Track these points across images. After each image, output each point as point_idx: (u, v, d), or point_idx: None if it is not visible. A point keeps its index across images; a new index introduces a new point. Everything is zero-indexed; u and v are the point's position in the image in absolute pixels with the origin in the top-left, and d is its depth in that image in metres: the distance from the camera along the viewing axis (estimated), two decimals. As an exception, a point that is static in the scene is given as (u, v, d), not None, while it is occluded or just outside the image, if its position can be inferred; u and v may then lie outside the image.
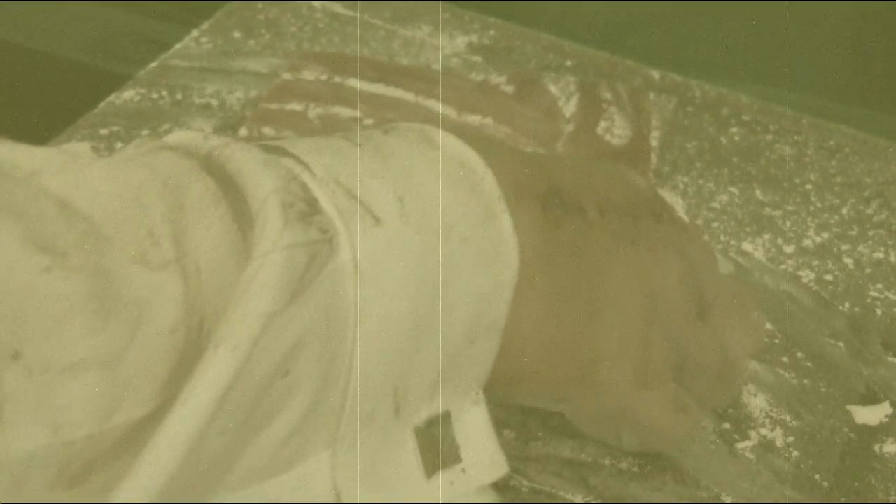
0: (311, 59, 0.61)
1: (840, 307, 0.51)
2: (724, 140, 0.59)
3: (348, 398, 0.31)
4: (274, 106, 0.58)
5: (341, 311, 0.30)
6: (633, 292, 0.38)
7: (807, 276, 0.52)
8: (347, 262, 0.30)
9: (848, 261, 0.53)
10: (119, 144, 0.57)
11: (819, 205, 0.56)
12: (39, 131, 0.58)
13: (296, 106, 0.57)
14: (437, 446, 0.34)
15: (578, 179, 0.39)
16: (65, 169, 0.29)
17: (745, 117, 0.60)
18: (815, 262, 0.53)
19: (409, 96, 0.58)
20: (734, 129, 0.60)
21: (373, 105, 0.58)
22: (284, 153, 0.32)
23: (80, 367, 0.26)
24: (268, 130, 0.56)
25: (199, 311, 0.28)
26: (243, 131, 0.56)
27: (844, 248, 0.54)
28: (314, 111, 0.57)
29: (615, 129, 0.57)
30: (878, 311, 0.51)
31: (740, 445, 0.45)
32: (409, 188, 0.33)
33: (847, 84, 0.73)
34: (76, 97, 0.60)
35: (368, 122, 0.57)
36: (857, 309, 0.51)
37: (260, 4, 0.67)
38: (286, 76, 0.60)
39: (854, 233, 0.54)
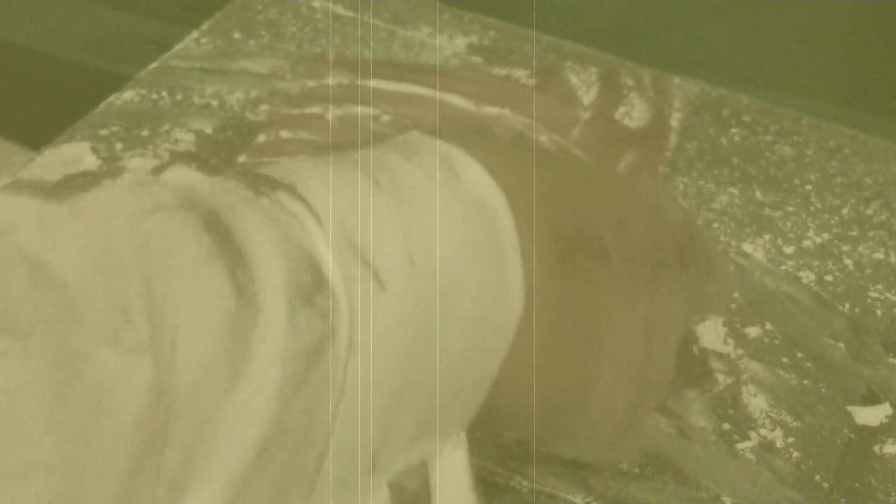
0: (336, 65, 0.62)
1: (840, 308, 0.51)
2: (724, 141, 0.59)
3: (324, 464, 0.29)
4: (295, 111, 0.58)
5: (329, 387, 0.28)
6: (637, 340, 0.37)
7: (807, 276, 0.52)
8: (343, 339, 0.29)
9: (848, 261, 0.53)
10: (119, 145, 0.57)
11: (819, 205, 0.56)
12: (39, 131, 0.58)
13: (315, 109, 0.58)
14: (409, 498, 0.33)
15: (611, 220, 0.37)
16: (43, 225, 0.27)
17: (746, 118, 0.60)
18: (816, 263, 0.53)
19: (428, 92, 0.59)
20: (734, 130, 0.60)
21: (392, 102, 0.58)
22: (294, 194, 0.30)
23: (29, 471, 0.23)
24: (284, 133, 0.57)
25: (170, 393, 0.25)
26: (262, 137, 0.56)
27: (844, 248, 0.54)
28: (333, 112, 0.58)
29: (634, 114, 0.57)
30: (879, 312, 0.51)
31: (740, 446, 0.45)
32: (422, 242, 0.31)
33: (843, 87, 0.73)
34: (76, 97, 0.60)
35: (386, 118, 0.57)
36: (857, 310, 0.51)
37: (260, 5, 0.67)
38: (311, 83, 0.60)
39: (854, 233, 0.54)
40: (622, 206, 0.38)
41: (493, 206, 0.33)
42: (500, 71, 0.61)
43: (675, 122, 0.58)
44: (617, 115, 0.57)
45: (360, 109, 0.58)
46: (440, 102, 0.58)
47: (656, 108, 0.58)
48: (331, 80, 0.60)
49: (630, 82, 0.59)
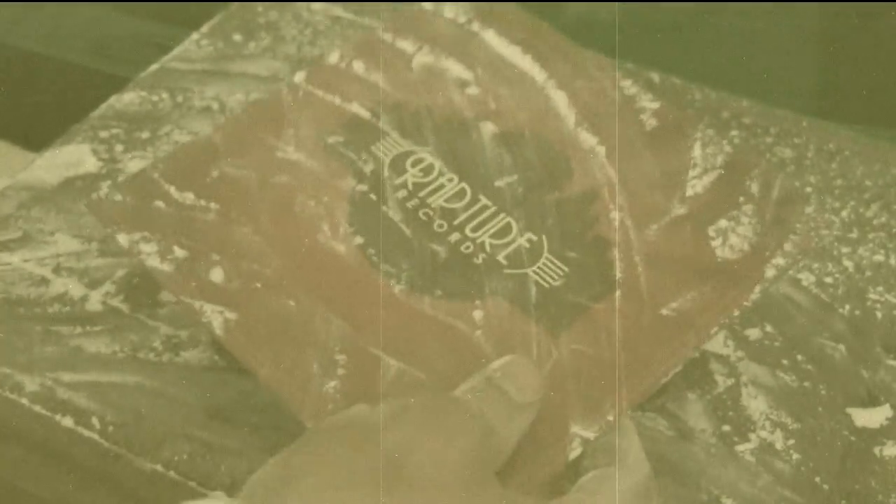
0: None
1: (840, 310, 0.51)
2: (724, 143, 0.59)
3: None
4: (387, 36, 0.51)
5: None
6: None
7: (807, 278, 0.52)
8: None
9: (848, 263, 0.53)
10: (119, 147, 0.57)
11: (819, 207, 0.56)
12: (40, 133, 0.58)
13: (407, 45, 0.50)
14: None
15: None
16: None
17: (746, 120, 0.60)
18: (816, 265, 0.53)
19: (540, 76, 0.49)
20: (734, 132, 0.60)
21: (491, 71, 0.49)
22: None
23: None
24: (358, 66, 0.49)
25: None
26: (334, 57, 0.50)
27: (844, 250, 0.54)
28: (421, 58, 0.50)
29: (732, 238, 0.44)
30: (878, 314, 0.51)
31: (740, 448, 0.45)
32: None
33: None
34: (77, 99, 0.60)
35: (475, 91, 0.49)
36: (857, 312, 0.51)
37: (260, 7, 0.67)
38: (427, 5, 0.52)
39: (854, 235, 0.54)
40: None
41: None
42: (630, 87, 0.49)
43: (770, 271, 0.43)
44: (712, 230, 0.44)
45: (452, 66, 0.49)
46: (542, 99, 0.48)
47: (764, 240, 0.44)
48: (448, 11, 0.51)
49: (755, 189, 0.46)
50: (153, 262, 0.43)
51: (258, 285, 0.42)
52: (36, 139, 0.59)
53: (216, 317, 0.41)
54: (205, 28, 0.65)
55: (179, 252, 0.43)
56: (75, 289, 0.49)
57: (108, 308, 0.49)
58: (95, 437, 0.44)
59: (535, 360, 0.40)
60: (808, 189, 0.57)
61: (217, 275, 0.42)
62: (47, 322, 0.48)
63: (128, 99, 0.60)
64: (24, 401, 0.45)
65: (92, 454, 0.45)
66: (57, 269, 0.50)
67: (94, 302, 0.49)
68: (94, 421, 0.45)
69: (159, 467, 0.43)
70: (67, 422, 0.45)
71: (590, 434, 0.38)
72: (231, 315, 0.41)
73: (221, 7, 0.66)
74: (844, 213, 0.55)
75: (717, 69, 0.70)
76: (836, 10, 0.75)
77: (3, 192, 0.54)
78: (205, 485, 0.43)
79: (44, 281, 0.50)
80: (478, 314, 0.42)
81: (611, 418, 0.38)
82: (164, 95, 0.60)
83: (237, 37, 0.65)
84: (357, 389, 0.39)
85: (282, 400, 0.39)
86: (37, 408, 0.45)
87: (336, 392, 0.39)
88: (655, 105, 0.48)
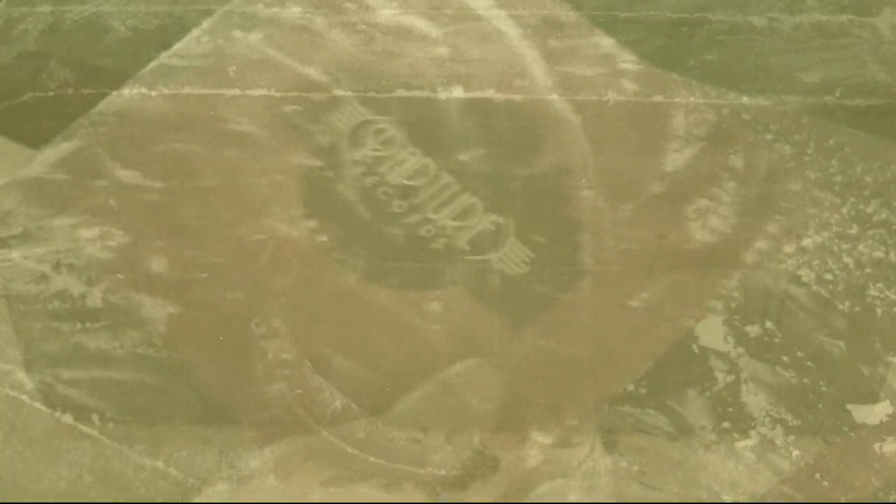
0: None
1: (840, 306, 0.51)
2: (709, 110, 0.59)
3: None
4: None
5: None
6: None
7: (807, 275, 0.52)
8: None
9: (848, 260, 0.53)
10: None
11: (806, 184, 0.56)
12: (40, 129, 0.58)
13: (359, 11, 0.46)
14: None
15: None
16: None
17: (746, 117, 0.60)
18: (815, 262, 0.53)
19: (514, 34, 0.45)
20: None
21: (462, 29, 0.45)
22: None
23: None
24: (321, 23, 0.46)
25: None
26: (295, 11, 0.46)
27: (844, 247, 0.54)
28: (388, 14, 0.45)
29: (712, 220, 0.40)
30: (878, 311, 0.51)
31: (740, 444, 0.45)
32: None
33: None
34: (76, 95, 0.60)
35: (444, 51, 0.44)
36: (857, 308, 0.51)
37: (260, 4, 0.66)
38: None
39: (854, 232, 0.54)
40: None
41: None
42: (610, 47, 0.43)
43: (751, 256, 0.40)
44: (691, 210, 0.39)
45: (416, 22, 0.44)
46: (518, 58, 0.43)
47: (746, 221, 0.40)
48: None
49: (739, 164, 0.41)
50: (92, 249, 0.40)
51: (203, 275, 0.40)
52: (36, 136, 0.58)
53: (158, 311, 0.39)
54: (205, 24, 0.65)
55: (121, 238, 0.40)
56: (75, 285, 0.49)
57: (108, 304, 0.48)
58: (95, 433, 0.44)
59: (496, 358, 0.38)
60: (809, 185, 0.57)
61: (160, 264, 0.40)
62: (47, 319, 0.48)
63: (127, 94, 0.59)
64: (25, 397, 0.45)
65: (92, 451, 0.45)
66: (57, 266, 0.50)
67: (95, 298, 0.49)
68: (94, 418, 0.45)
69: (159, 463, 0.43)
70: (67, 418, 0.45)
71: (550, 440, 0.36)
72: (174, 309, 0.39)
73: (221, 4, 0.66)
74: (844, 210, 0.55)
75: (717, 66, 0.70)
76: (836, 6, 0.75)
77: (3, 188, 0.54)
78: (205, 481, 0.43)
79: (44, 277, 0.50)
80: (436, 306, 0.39)
81: (574, 423, 0.37)
82: (165, 91, 0.60)
83: (237, 33, 0.64)
84: (303, 392, 0.37)
85: (224, 404, 0.37)
86: (37, 404, 0.45)
87: (281, 396, 0.37)
88: (637, 66, 0.45)
